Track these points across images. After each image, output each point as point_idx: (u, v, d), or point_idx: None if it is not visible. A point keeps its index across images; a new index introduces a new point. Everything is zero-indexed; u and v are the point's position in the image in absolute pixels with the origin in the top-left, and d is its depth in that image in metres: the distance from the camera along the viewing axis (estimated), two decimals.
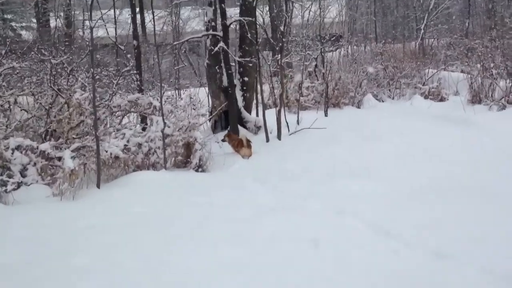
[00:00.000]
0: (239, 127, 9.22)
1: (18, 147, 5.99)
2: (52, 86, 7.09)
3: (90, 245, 4.21)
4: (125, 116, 8.29)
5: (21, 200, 5.55)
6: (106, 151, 6.42)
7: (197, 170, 7.25)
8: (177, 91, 13.94)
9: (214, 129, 10.07)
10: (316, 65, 12.74)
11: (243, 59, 9.38)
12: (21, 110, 7.19)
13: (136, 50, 8.80)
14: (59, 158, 6.13)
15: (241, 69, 9.93)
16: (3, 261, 3.85)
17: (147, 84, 11.77)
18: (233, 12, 13.06)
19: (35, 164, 6.07)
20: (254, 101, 10.59)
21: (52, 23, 19.18)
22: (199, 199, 5.76)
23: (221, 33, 9.10)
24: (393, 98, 13.71)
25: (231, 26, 9.72)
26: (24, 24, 21.51)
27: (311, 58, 12.88)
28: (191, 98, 9.11)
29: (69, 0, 18.86)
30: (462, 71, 13.80)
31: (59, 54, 8.61)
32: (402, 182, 5.89)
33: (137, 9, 10.86)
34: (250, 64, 9.44)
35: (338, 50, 16.88)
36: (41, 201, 5.58)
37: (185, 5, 23.50)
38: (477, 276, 3.42)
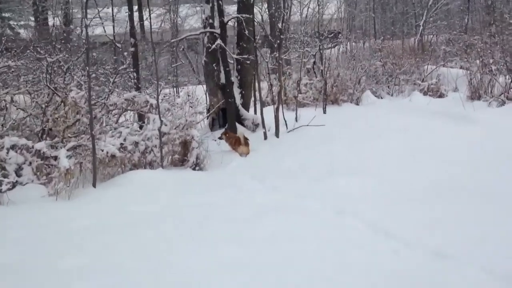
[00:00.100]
0: (237, 124, 9.17)
1: (13, 147, 5.94)
2: (48, 84, 7.03)
3: (87, 245, 4.19)
4: (122, 115, 8.23)
5: (16, 200, 5.51)
6: (102, 150, 6.37)
7: (194, 169, 7.20)
8: (175, 89, 13.90)
9: (212, 126, 10.03)
10: (314, 62, 12.68)
11: (240, 56, 9.32)
12: (17, 109, 7.14)
13: (133, 48, 8.74)
14: (55, 158, 6.08)
15: (239, 66, 9.88)
16: None
17: (145, 82, 11.71)
18: (232, 10, 13.00)
19: (30, 163, 6.02)
20: (252, 99, 10.54)
21: (50, 22, 19.12)
22: (197, 198, 5.73)
23: (218, 31, 9.04)
24: (392, 95, 13.65)
25: (229, 23, 9.66)
26: (22, 23, 21.51)
27: (309, 55, 12.82)
28: (188, 96, 9.07)
29: None
30: (461, 67, 13.72)
31: (55, 52, 8.55)
32: (402, 181, 5.83)
33: (136, 7, 10.80)
34: (248, 62, 9.38)
35: (336, 47, 16.81)
36: (36, 201, 5.55)
37: (184, 3, 23.44)
38: (477, 276, 3.39)
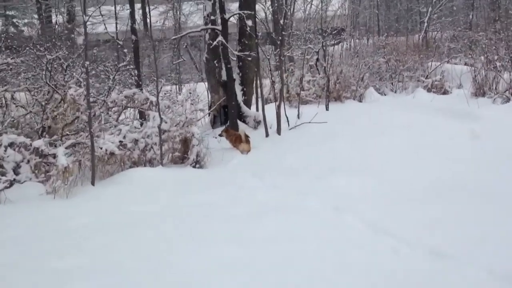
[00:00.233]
0: (239, 122, 9.12)
1: (11, 144, 5.91)
2: (48, 82, 6.99)
3: (85, 244, 4.17)
4: (122, 112, 8.19)
5: (14, 198, 5.51)
6: (101, 148, 6.32)
7: (194, 166, 7.15)
8: (177, 86, 13.85)
9: (213, 124, 9.98)
10: (317, 59, 12.59)
11: (242, 53, 9.25)
12: (16, 106, 7.11)
13: (134, 45, 8.68)
14: (54, 155, 6.05)
15: (241, 63, 9.83)
16: None
17: (146, 80, 11.65)
18: (234, 7, 12.94)
19: (28, 161, 5.99)
20: (254, 96, 10.47)
21: (54, 19, 19.13)
22: (197, 196, 5.70)
23: (220, 27, 8.98)
24: (395, 92, 13.53)
25: (232, 20, 9.60)
26: (26, 21, 21.57)
27: (312, 51, 12.74)
28: (190, 93, 9.02)
29: None
30: (465, 64, 13.58)
31: (55, 49, 8.51)
32: (403, 181, 5.77)
33: (139, 5, 10.77)
34: (250, 58, 9.31)
35: (340, 43, 16.70)
36: (34, 199, 5.55)
37: (187, 0, 23.39)
38: (477, 276, 3.36)
